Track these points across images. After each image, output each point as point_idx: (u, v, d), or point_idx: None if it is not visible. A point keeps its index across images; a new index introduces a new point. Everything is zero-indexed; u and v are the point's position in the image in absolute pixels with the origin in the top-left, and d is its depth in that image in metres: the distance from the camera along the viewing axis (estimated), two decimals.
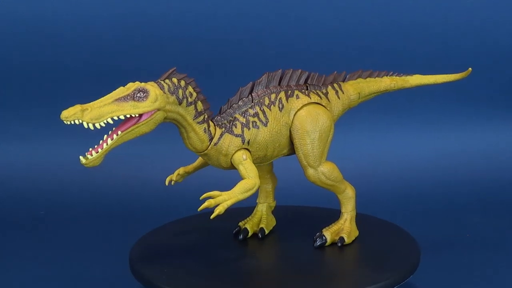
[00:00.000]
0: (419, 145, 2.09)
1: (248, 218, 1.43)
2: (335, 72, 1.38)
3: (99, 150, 1.13)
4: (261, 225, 1.41)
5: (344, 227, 1.35)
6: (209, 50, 2.10)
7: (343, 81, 1.39)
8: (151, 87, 1.16)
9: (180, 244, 1.35)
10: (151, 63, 2.08)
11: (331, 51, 2.09)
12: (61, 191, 1.95)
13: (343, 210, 1.36)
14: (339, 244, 1.32)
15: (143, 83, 1.16)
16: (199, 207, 1.17)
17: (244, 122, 1.25)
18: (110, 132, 1.15)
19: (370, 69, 1.43)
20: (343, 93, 1.37)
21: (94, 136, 2.02)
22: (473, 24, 2.12)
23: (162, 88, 1.17)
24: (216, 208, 1.17)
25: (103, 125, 1.12)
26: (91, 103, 1.12)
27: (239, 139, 1.24)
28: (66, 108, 1.11)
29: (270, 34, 2.11)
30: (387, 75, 1.44)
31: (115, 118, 1.12)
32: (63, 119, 1.10)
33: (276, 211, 1.45)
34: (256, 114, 1.25)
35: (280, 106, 1.27)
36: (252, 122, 1.25)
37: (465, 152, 2.07)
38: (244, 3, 2.12)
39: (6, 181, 2.00)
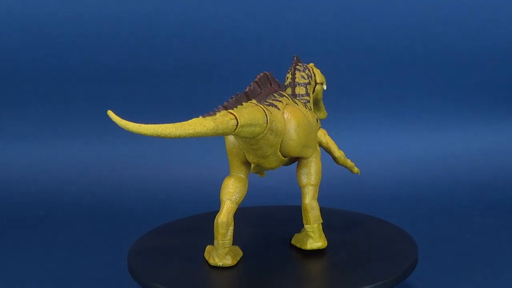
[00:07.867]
0: (419, 145, 2.09)
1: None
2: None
3: None
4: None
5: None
6: (209, 50, 2.10)
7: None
8: None
9: (179, 245, 1.35)
10: (151, 63, 2.08)
11: (331, 52, 2.09)
12: (60, 191, 1.95)
13: None
14: None
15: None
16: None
17: None
18: None
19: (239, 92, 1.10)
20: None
21: (93, 136, 2.03)
22: (473, 24, 2.12)
23: None
24: None
25: None
26: None
27: None
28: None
29: (270, 35, 2.11)
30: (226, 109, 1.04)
31: None
32: None
33: (282, 211, 1.45)
34: None
35: None
36: None
37: (465, 152, 2.07)
38: (244, 4, 2.12)
39: (6, 181, 2.00)
